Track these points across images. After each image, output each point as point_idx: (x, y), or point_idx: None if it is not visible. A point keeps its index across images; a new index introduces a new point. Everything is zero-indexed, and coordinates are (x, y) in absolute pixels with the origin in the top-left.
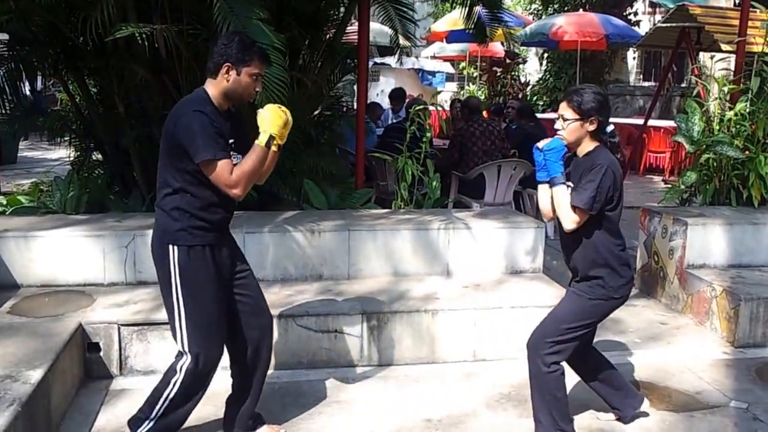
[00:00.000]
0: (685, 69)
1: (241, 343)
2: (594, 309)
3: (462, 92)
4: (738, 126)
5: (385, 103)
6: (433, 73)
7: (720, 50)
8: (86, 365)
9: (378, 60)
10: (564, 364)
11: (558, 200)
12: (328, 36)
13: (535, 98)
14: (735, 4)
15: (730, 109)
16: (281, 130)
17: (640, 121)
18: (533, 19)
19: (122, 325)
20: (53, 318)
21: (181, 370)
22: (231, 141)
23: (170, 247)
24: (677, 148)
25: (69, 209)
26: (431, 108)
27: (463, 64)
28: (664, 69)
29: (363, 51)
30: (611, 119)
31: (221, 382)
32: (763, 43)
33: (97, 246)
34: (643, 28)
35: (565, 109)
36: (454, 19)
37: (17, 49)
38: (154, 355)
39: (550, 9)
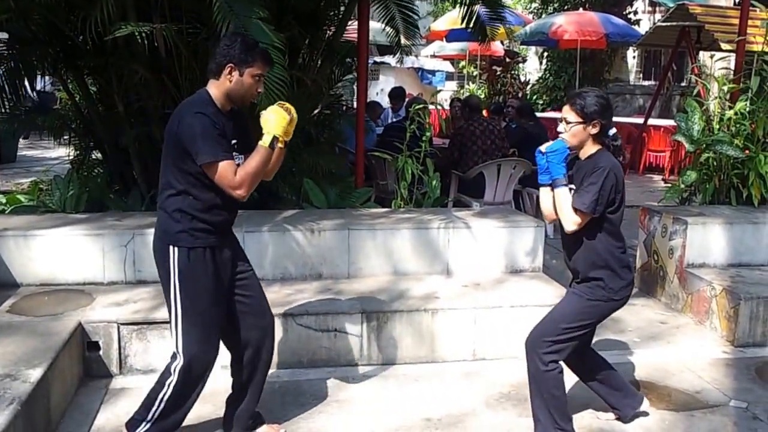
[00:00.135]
0: (685, 68)
1: (242, 343)
2: (593, 310)
3: (462, 91)
4: (738, 125)
5: (385, 102)
6: (432, 72)
7: (720, 49)
8: (86, 364)
9: (377, 59)
10: (562, 363)
11: (560, 202)
12: (327, 35)
13: (534, 97)
14: (735, 3)
15: (730, 108)
16: (286, 128)
17: (640, 120)
18: (533, 18)
19: (122, 324)
20: (53, 317)
21: (174, 371)
22: (234, 141)
23: (171, 248)
24: (677, 147)
25: (68, 208)
26: (431, 107)
27: (462, 63)
28: (664, 68)
29: (363, 50)
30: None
31: (221, 382)
32: (763, 42)
33: (96, 245)
34: (643, 27)
35: (568, 112)
36: (453, 18)
37: (17, 48)
38: (154, 354)
39: (549, 8)
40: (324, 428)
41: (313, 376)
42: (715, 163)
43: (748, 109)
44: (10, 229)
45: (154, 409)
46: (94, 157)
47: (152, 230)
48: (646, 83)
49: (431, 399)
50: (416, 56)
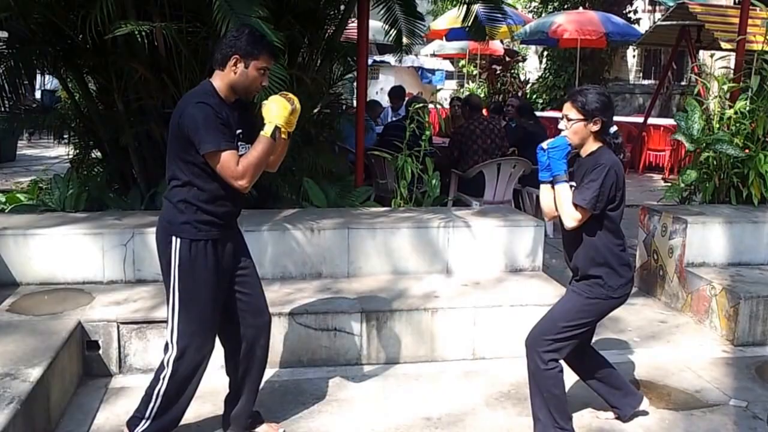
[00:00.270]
0: (684, 67)
1: (236, 340)
2: (592, 308)
3: (462, 90)
4: (738, 124)
5: (385, 101)
6: (432, 71)
7: (720, 48)
8: (85, 363)
9: (377, 58)
10: (562, 362)
11: (560, 198)
12: (327, 34)
13: (534, 96)
14: (735, 2)
15: (730, 107)
16: (288, 118)
17: (640, 120)
18: (533, 17)
19: (121, 323)
20: (52, 316)
21: (168, 364)
22: (239, 131)
23: (173, 238)
24: (677, 146)
25: (68, 207)
26: (431, 106)
27: (462, 61)
28: (663, 67)
29: (362, 48)
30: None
31: (220, 381)
32: (763, 42)
33: (96, 244)
34: (643, 26)
35: (569, 109)
36: (453, 17)
37: (16, 47)
38: (154, 353)
39: (549, 7)
40: (324, 427)
41: (312, 376)
42: (715, 163)
43: (748, 108)
44: (10, 228)
45: (152, 405)
46: (93, 156)
47: (152, 229)
48: (646, 82)
49: (431, 398)
50: (416, 55)
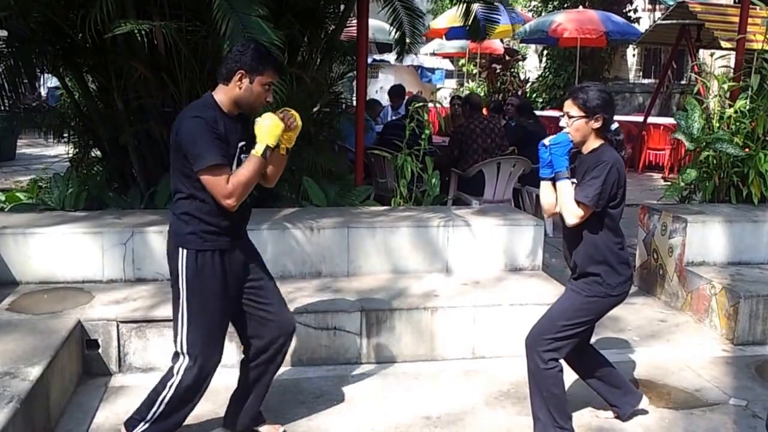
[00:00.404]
0: (684, 66)
1: (262, 345)
2: (591, 306)
3: (461, 89)
4: (738, 123)
5: (385, 99)
6: (432, 70)
7: (720, 47)
8: (85, 362)
9: (377, 57)
10: (562, 361)
11: (562, 194)
12: (327, 33)
13: (534, 95)
14: (735, 2)
15: (730, 106)
16: (280, 137)
17: (640, 119)
18: (533, 16)
19: (121, 322)
20: (52, 315)
21: (178, 372)
22: (242, 143)
23: (180, 250)
24: (677, 145)
25: (68, 206)
26: (430, 105)
27: (462, 60)
28: (663, 66)
29: (362, 47)
30: None
31: (220, 380)
32: (763, 41)
33: (95, 243)
34: (643, 25)
35: (570, 106)
36: (453, 16)
37: (16, 45)
38: (153, 352)
39: (549, 6)
40: (323, 426)
41: (312, 374)
42: (715, 162)
43: (748, 107)
44: (10, 227)
45: (154, 409)
46: (93, 154)
47: (151, 228)
48: (645, 81)
49: (431, 397)
50: (416, 54)
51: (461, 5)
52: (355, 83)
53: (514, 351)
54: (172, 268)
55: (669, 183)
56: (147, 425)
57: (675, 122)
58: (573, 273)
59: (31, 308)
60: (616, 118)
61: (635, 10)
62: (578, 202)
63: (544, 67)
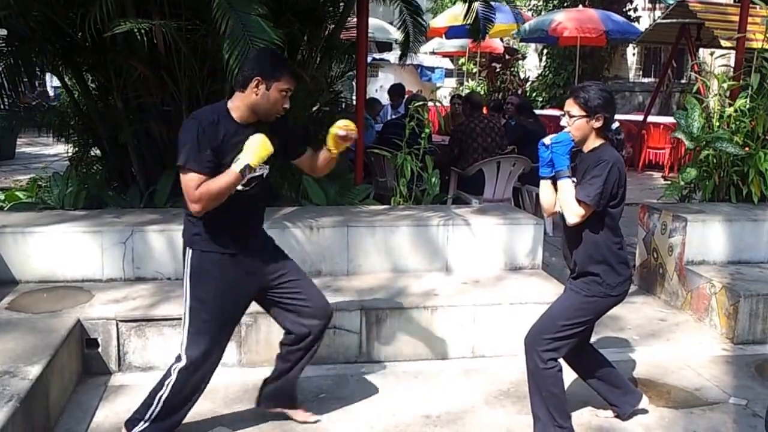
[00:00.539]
0: (684, 65)
1: (301, 333)
2: (591, 306)
3: (461, 88)
4: (738, 122)
5: (384, 98)
6: (432, 69)
7: (720, 46)
8: (84, 361)
9: (377, 56)
10: (561, 361)
11: (563, 193)
12: (327, 31)
13: (534, 94)
14: (735, 0)
15: (730, 105)
16: (264, 159)
17: (640, 118)
18: (533, 15)
19: (120, 321)
20: (51, 314)
21: (174, 372)
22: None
23: (188, 249)
24: (677, 144)
25: (67, 205)
26: (430, 104)
27: (462, 59)
28: (663, 65)
29: (362, 46)
30: None
31: (220, 380)
32: (763, 40)
33: (95, 242)
34: (643, 24)
35: (571, 105)
36: (453, 15)
37: (16, 44)
38: (153, 351)
39: (549, 5)
40: (323, 425)
41: (312, 373)
42: (714, 161)
43: (748, 106)
44: (9, 226)
45: (152, 408)
46: (92, 153)
47: (151, 227)
48: (645, 80)
49: (430, 396)
50: (415, 53)
51: (466, 4)
52: (354, 82)
53: (514, 350)
54: (183, 267)
55: (669, 182)
56: (146, 425)
57: (675, 121)
58: (572, 273)
59: (31, 307)
60: (616, 117)
61: (635, 9)
62: (579, 201)
63: (544, 66)
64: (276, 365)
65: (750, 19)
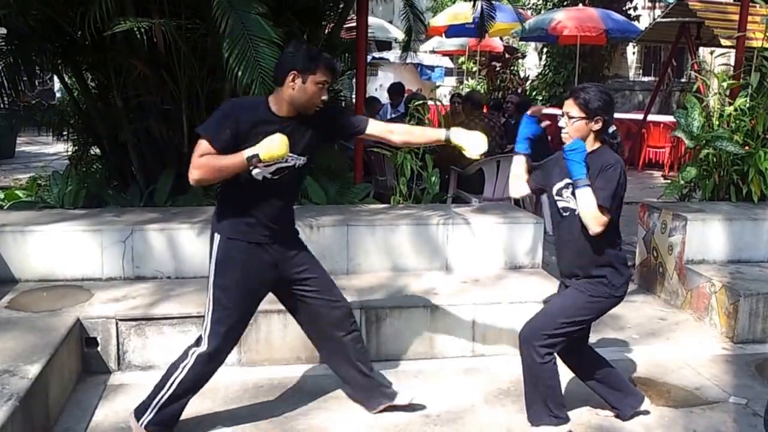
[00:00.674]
0: (684, 64)
1: (326, 334)
2: (594, 306)
3: (461, 87)
4: (738, 121)
5: (384, 97)
6: (432, 68)
7: (720, 45)
8: (84, 360)
9: (376, 55)
10: (556, 355)
11: (584, 202)
12: (327, 30)
13: (534, 93)
14: None
15: (730, 104)
16: (275, 157)
17: (640, 116)
18: (532, 14)
19: (120, 320)
20: (51, 313)
21: (192, 356)
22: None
23: (216, 235)
24: (677, 143)
25: (67, 204)
26: (430, 103)
27: (462, 58)
28: (663, 64)
29: (361, 45)
30: None
31: (220, 379)
32: (763, 38)
33: (95, 241)
34: (643, 23)
35: (571, 106)
36: (453, 14)
37: (15, 43)
38: (152, 350)
39: (549, 4)
40: (323, 424)
41: (311, 373)
42: (714, 160)
43: (747, 105)
44: (9, 225)
45: (163, 392)
46: (92, 152)
47: (151, 226)
48: (645, 79)
49: (430, 395)
50: (415, 52)
51: (471, 1)
52: (354, 81)
53: (514, 349)
54: (210, 252)
55: (669, 181)
56: (153, 412)
57: (675, 120)
58: (571, 276)
59: (30, 306)
60: (615, 115)
61: (635, 8)
62: (602, 208)
63: (544, 65)
64: (344, 379)
65: (750, 18)
